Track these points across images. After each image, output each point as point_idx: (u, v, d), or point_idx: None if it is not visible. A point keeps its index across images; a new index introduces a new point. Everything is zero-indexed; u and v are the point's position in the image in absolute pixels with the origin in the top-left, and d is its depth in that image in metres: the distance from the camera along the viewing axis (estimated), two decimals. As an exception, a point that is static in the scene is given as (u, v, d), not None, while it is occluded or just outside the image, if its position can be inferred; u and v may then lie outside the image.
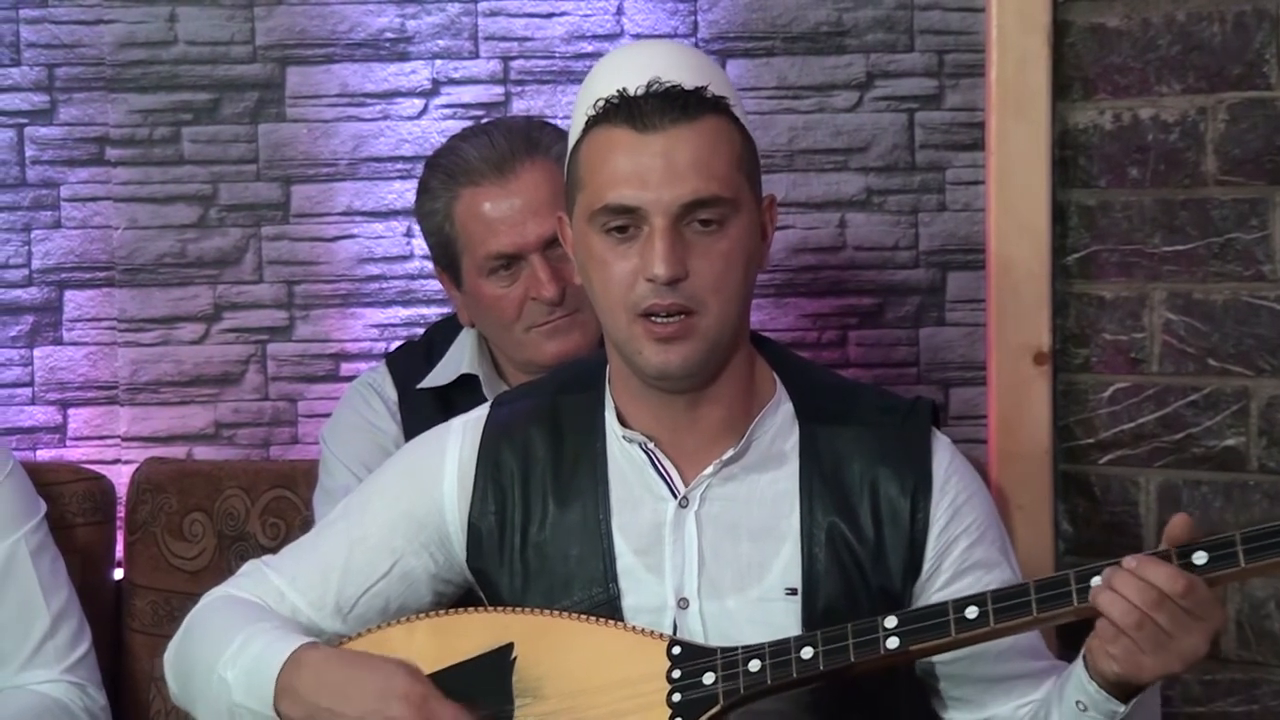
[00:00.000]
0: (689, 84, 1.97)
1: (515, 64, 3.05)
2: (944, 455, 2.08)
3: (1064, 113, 2.66)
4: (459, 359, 2.59)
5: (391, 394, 2.61)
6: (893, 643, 1.88)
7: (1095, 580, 1.84)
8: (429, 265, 2.77)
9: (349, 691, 1.96)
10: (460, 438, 2.13)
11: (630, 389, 2.06)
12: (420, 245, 2.87)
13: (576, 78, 2.99)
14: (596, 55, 2.84)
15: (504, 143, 2.49)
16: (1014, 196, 2.67)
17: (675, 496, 2.05)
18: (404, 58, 3.05)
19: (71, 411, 3.09)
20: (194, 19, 3.05)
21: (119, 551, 2.89)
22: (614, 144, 1.98)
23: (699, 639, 2.01)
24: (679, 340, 1.97)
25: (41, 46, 3.05)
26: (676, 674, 1.94)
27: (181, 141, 3.07)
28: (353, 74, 3.06)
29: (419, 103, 3.06)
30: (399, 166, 3.06)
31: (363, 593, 2.11)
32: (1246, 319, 2.55)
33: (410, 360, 2.64)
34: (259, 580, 2.14)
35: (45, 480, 2.73)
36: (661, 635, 1.97)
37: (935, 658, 2.02)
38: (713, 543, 2.04)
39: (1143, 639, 1.82)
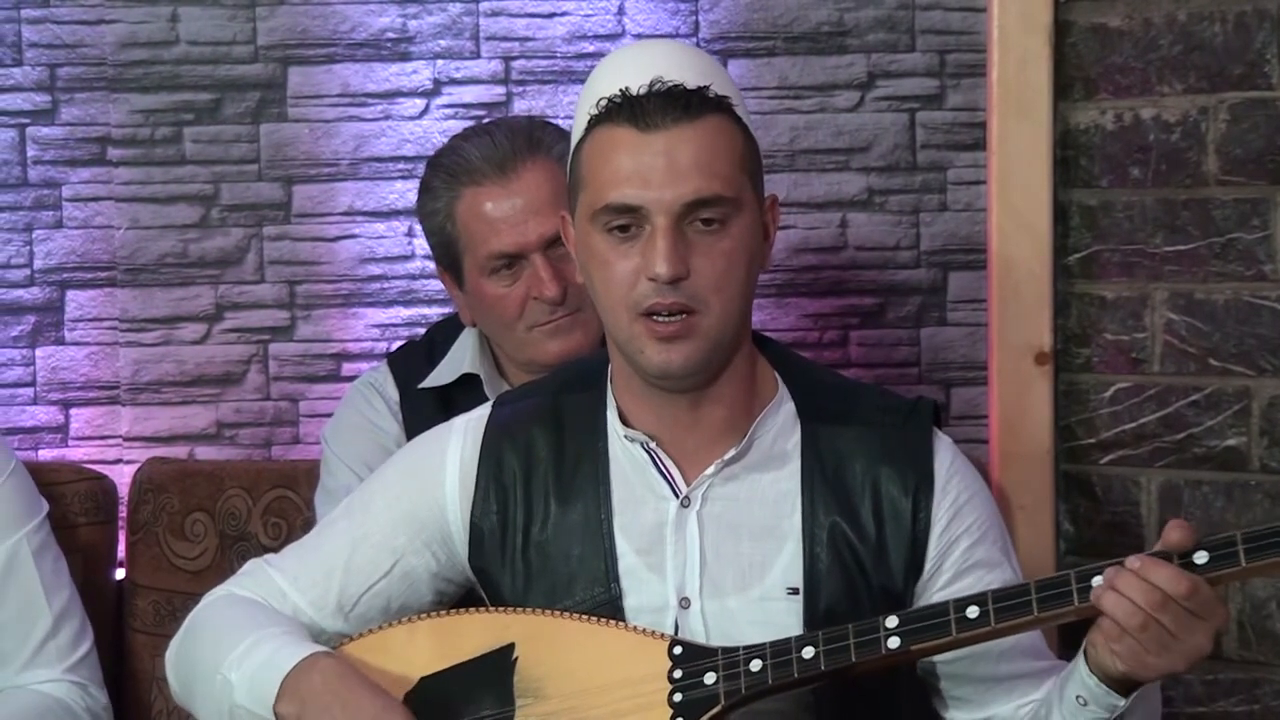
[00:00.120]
0: (691, 83, 1.97)
1: (517, 64, 3.05)
2: (945, 455, 2.08)
3: (1065, 112, 2.66)
4: (460, 359, 2.59)
5: (393, 394, 2.61)
6: (894, 642, 1.88)
7: (1096, 580, 1.84)
8: (430, 265, 2.77)
9: (347, 708, 1.96)
10: (462, 437, 2.13)
11: (632, 388, 2.07)
12: (422, 245, 2.87)
13: (578, 78, 2.99)
14: (598, 55, 2.84)
15: (506, 142, 2.49)
16: (1015, 196, 2.67)
17: (677, 496, 2.05)
18: (405, 58, 3.05)
19: (73, 411, 3.09)
20: (196, 19, 3.05)
21: (121, 551, 2.90)
22: (616, 143, 1.98)
23: (700, 639, 2.01)
24: (680, 339, 1.97)
25: (43, 46, 3.05)
26: (678, 674, 1.94)
27: (183, 141, 3.07)
28: (354, 74, 3.06)
29: (420, 103, 3.06)
30: (400, 166, 3.06)
31: (364, 592, 2.11)
32: (1248, 319, 2.55)
33: (412, 360, 2.64)
34: (261, 579, 2.14)
35: (47, 480, 2.73)
36: (662, 635, 1.98)
37: (936, 657, 2.02)
38: (714, 542, 2.04)
39: (1147, 639, 1.82)
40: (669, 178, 1.95)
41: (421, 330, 2.89)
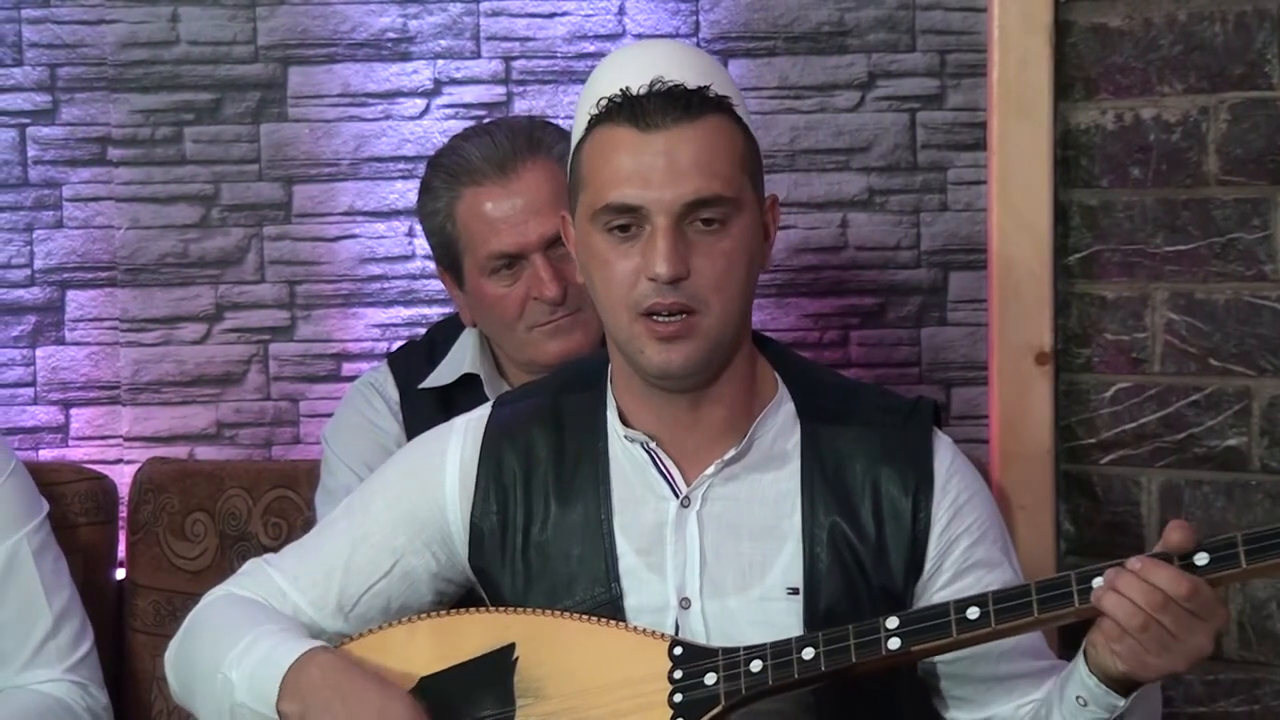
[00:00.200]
0: (692, 83, 1.97)
1: (517, 64, 3.05)
2: (946, 455, 2.08)
3: (1066, 113, 2.66)
4: (461, 359, 2.59)
5: (393, 394, 2.61)
6: (894, 643, 1.88)
7: (1097, 581, 1.84)
8: (431, 265, 2.77)
9: (348, 701, 1.96)
10: (462, 437, 2.13)
11: (632, 388, 2.07)
12: (422, 245, 2.87)
13: (578, 78, 2.99)
14: (598, 55, 2.84)
15: (506, 142, 2.49)
16: (1016, 196, 2.67)
17: (677, 496, 2.05)
18: (406, 58, 3.05)
19: (74, 411, 3.09)
20: (196, 19, 3.05)
21: (121, 551, 2.90)
22: (616, 143, 1.98)
23: (701, 639, 2.01)
24: (681, 339, 1.97)
25: (43, 46, 3.05)
26: (678, 674, 1.94)
27: (183, 141, 3.07)
28: (355, 74, 3.06)
29: (421, 103, 3.06)
30: (401, 166, 3.06)
31: (364, 591, 2.11)
32: (1248, 319, 2.55)
33: (412, 360, 2.64)
34: (261, 579, 2.14)
35: (47, 480, 2.73)
36: (663, 635, 1.98)
37: (937, 658, 2.02)
38: (714, 542, 2.04)
39: (1148, 640, 1.82)
40: (669, 178, 1.95)
41: (422, 330, 2.89)
